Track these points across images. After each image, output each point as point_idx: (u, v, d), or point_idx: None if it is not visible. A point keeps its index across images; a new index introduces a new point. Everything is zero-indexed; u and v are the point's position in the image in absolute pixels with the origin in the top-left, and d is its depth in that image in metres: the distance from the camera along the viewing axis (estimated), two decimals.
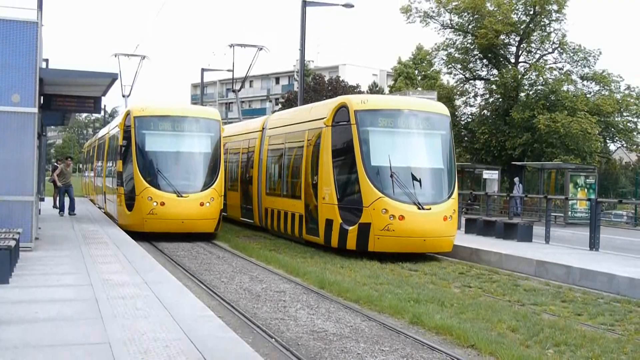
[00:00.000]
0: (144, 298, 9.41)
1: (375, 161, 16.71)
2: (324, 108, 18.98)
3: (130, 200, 20.28)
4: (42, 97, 15.77)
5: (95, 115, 73.45)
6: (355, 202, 16.65)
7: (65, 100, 17.26)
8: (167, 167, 20.46)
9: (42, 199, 23.79)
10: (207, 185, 20.53)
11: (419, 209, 16.14)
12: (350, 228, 16.69)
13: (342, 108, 17.49)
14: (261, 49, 29.91)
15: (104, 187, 26.76)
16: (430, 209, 16.31)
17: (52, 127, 40.61)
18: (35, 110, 13.70)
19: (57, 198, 30.05)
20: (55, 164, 34.86)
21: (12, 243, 10.98)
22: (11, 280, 10.45)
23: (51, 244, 15.44)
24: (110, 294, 9.61)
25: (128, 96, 33.14)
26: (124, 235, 18.30)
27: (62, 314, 8.34)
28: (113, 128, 25.47)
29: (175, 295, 9.70)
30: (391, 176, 16.28)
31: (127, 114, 21.41)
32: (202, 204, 19.93)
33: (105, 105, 66.89)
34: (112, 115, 69.41)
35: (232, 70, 32.22)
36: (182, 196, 19.70)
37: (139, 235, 19.27)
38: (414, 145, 17.64)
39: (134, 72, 34.61)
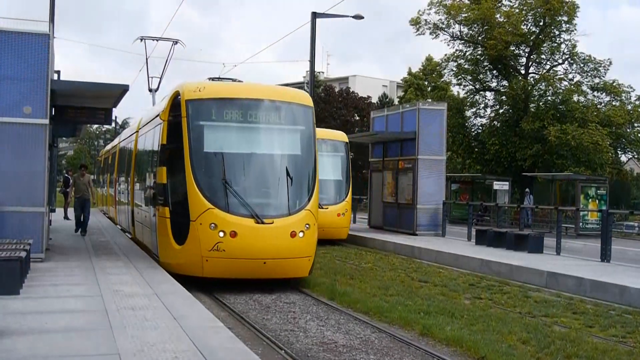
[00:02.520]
0: (154, 309, 9.42)
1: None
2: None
3: (181, 227, 13.76)
4: (53, 109, 15.84)
5: (107, 126, 73.80)
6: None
7: (76, 112, 17.29)
8: (240, 177, 14.04)
9: (53, 210, 23.81)
10: (299, 206, 14.03)
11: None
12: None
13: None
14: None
15: (132, 205, 20.55)
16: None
17: (64, 138, 40.62)
18: (47, 121, 13.76)
19: (67, 209, 30.21)
20: (66, 175, 35.03)
21: (23, 254, 11.01)
22: (22, 291, 10.47)
23: (62, 255, 15.47)
24: (120, 305, 9.62)
25: (156, 90, 27.11)
26: (135, 247, 18.23)
27: (72, 324, 8.35)
28: (147, 124, 18.74)
29: (185, 307, 9.70)
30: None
31: (175, 97, 14.69)
32: (293, 235, 13.52)
33: (116, 117, 67.28)
34: (123, 126, 69.57)
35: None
36: (263, 222, 13.30)
37: (191, 282, 13.23)
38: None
39: (163, 60, 30.42)
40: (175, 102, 14.61)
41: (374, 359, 8.78)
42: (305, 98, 15.49)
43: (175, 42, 25.42)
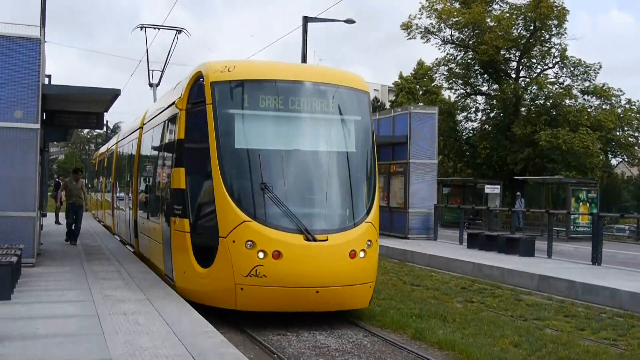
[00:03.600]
0: (146, 314, 9.38)
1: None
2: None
3: (206, 245, 10.78)
4: (44, 113, 15.79)
5: (98, 130, 73.66)
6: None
7: (67, 116, 17.28)
8: (284, 181, 10.86)
9: (44, 215, 23.74)
10: (359, 217, 11.04)
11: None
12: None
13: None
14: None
15: (135, 213, 17.09)
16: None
17: (55, 142, 40.50)
18: (38, 126, 13.71)
19: (59, 214, 30.12)
20: (57, 179, 34.93)
21: (14, 259, 10.96)
22: (13, 297, 10.42)
23: (53, 260, 15.40)
24: (112, 310, 9.58)
25: (157, 85, 24.60)
26: (126, 251, 18.16)
27: (64, 330, 8.31)
28: (155, 116, 15.28)
29: (177, 311, 9.67)
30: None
31: (196, 78, 11.64)
32: (353, 255, 10.50)
33: (107, 121, 67.06)
34: (114, 130, 69.44)
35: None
36: (315, 239, 10.27)
37: (214, 313, 10.44)
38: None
39: (165, 51, 26.75)
40: (196, 85, 11.56)
41: None
42: (360, 81, 12.32)
43: (180, 30, 22.68)
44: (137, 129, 18.15)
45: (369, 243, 10.90)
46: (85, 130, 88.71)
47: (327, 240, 10.39)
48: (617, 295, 13.86)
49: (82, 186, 19.87)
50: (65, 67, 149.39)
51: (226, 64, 11.40)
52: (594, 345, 10.14)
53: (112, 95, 15.30)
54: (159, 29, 23.49)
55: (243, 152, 11.10)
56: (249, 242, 10.20)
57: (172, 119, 12.63)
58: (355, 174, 11.53)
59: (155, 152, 14.92)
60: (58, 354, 7.16)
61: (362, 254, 10.71)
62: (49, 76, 23.80)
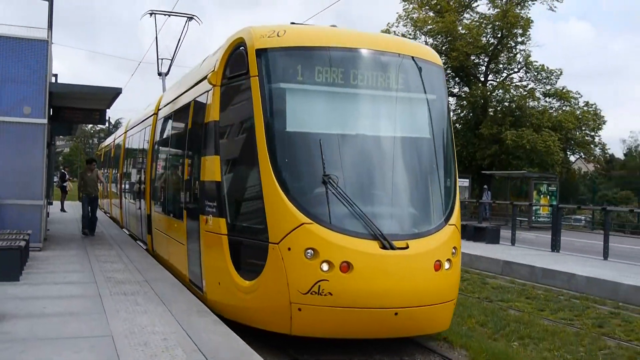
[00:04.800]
0: (144, 294, 9.34)
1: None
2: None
3: (249, 252, 8.17)
4: (51, 109, 15.67)
5: (101, 126, 73.12)
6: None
7: (72, 112, 17.19)
8: (351, 173, 8.15)
9: (50, 203, 23.61)
10: (441, 218, 8.37)
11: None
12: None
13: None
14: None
15: (148, 208, 14.29)
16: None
17: (60, 136, 40.15)
18: (45, 121, 13.62)
19: (64, 203, 29.95)
20: (63, 170, 34.70)
21: (23, 243, 10.90)
22: (21, 278, 10.36)
23: (58, 245, 15.32)
24: (113, 291, 9.53)
25: (166, 74, 21.33)
26: (126, 237, 18.06)
27: (68, 309, 8.27)
28: (174, 99, 12.42)
29: (173, 292, 9.62)
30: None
31: (236, 46, 8.72)
32: (438, 266, 7.86)
33: (109, 117, 66.55)
34: (116, 126, 68.97)
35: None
36: (393, 247, 7.57)
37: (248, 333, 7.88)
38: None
39: (175, 38, 25.08)
40: (236, 54, 8.59)
41: None
42: (433, 54, 9.38)
43: (190, 17, 20.03)
44: (151, 116, 15.41)
45: (454, 251, 8.16)
46: (89, 126, 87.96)
47: (407, 248, 7.57)
48: (574, 279, 13.99)
49: (98, 175, 18.40)
50: (71, 67, 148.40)
51: (274, 29, 8.40)
52: (552, 325, 10.24)
53: (114, 93, 15.21)
54: (169, 15, 20.72)
55: (299, 136, 8.14)
56: (310, 251, 7.35)
57: (201, 99, 9.80)
58: (434, 165, 8.64)
59: (176, 140, 12.15)
60: (63, 331, 7.13)
61: (447, 265, 7.92)
62: (56, 75, 23.52)
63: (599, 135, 42.75)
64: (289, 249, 7.47)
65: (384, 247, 7.48)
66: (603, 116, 41.99)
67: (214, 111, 8.93)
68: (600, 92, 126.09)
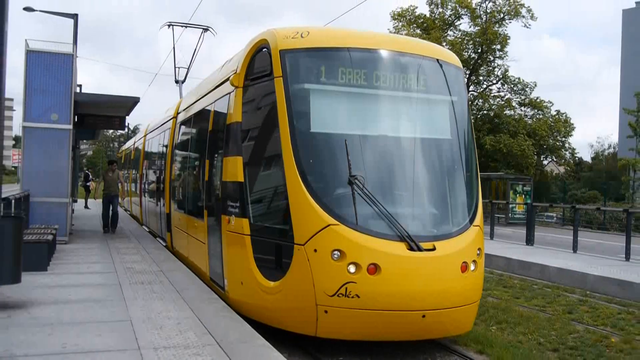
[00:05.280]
0: (160, 283, 9.34)
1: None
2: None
3: (273, 253, 7.46)
4: (76, 116, 15.68)
5: (120, 131, 73.01)
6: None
7: (95, 119, 17.26)
8: (378, 174, 7.45)
9: (75, 201, 23.58)
10: (466, 219, 7.66)
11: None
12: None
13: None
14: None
15: (167, 206, 13.63)
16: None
17: (84, 141, 40.05)
18: (71, 127, 13.62)
19: (87, 201, 29.95)
20: (87, 171, 34.69)
21: (50, 237, 10.88)
22: (49, 268, 10.32)
23: (82, 238, 15.31)
24: (131, 280, 9.53)
25: (183, 82, 20.72)
26: (144, 232, 18.03)
27: (91, 296, 8.27)
28: (193, 103, 11.78)
29: (186, 281, 9.63)
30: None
31: (259, 48, 8.06)
32: (464, 267, 7.18)
33: (128, 123, 66.60)
34: (135, 131, 68.88)
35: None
36: (420, 248, 6.87)
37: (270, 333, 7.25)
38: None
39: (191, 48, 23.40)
40: (259, 56, 7.92)
41: None
42: (453, 56, 8.65)
43: (206, 29, 19.56)
44: (170, 119, 14.64)
45: (479, 252, 7.44)
46: (110, 131, 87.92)
47: (434, 249, 6.88)
48: (546, 270, 14.00)
49: (119, 176, 17.90)
50: (95, 79, 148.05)
51: (297, 30, 7.72)
52: (527, 311, 10.25)
53: (132, 102, 15.22)
54: (186, 26, 20.18)
55: (324, 137, 7.43)
56: (336, 252, 6.67)
57: (222, 101, 9.03)
58: (458, 166, 7.96)
59: (196, 141, 11.33)
60: (86, 316, 7.13)
61: (472, 266, 7.22)
62: (80, 86, 23.57)
63: (569, 141, 42.96)
64: (315, 250, 6.79)
65: (411, 249, 6.80)
66: (572, 123, 42.14)
67: (237, 113, 8.19)
68: (571, 101, 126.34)
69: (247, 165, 7.85)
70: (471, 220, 7.55)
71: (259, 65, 7.94)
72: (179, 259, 11.90)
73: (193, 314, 7.31)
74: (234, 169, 8.02)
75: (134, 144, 25.81)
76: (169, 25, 19.83)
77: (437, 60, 8.15)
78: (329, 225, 6.78)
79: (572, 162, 51.82)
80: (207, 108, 10.28)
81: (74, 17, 23.77)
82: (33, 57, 13.37)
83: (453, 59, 8.54)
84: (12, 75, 14.03)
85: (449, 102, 8.14)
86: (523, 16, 40.24)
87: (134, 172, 23.75)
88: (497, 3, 40.70)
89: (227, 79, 8.71)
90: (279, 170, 7.28)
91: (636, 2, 55.86)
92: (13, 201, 9.88)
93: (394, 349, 7.63)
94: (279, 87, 7.41)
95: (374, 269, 6.66)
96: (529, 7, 40.71)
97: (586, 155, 69.79)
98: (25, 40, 13.63)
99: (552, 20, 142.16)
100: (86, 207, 28.64)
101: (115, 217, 17.19)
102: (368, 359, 7.33)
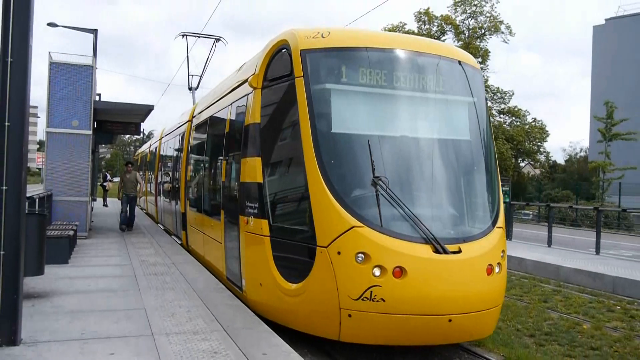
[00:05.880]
0: (171, 275, 9.32)
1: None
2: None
3: (294, 255, 6.66)
4: (95, 122, 15.66)
5: (136, 136, 72.90)
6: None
7: (113, 125, 17.23)
8: (402, 176, 6.58)
9: (94, 199, 23.53)
10: (489, 221, 6.84)
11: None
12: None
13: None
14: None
15: (182, 206, 13.06)
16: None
17: (103, 144, 39.98)
18: (90, 132, 13.60)
19: (106, 199, 29.90)
20: (105, 172, 34.66)
21: (72, 232, 10.89)
22: (70, 261, 10.33)
23: (101, 234, 15.27)
24: (146, 272, 9.51)
25: (196, 89, 20.34)
26: (157, 227, 17.98)
27: (109, 286, 8.24)
28: (210, 105, 11.05)
29: (195, 272, 9.60)
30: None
31: (278, 48, 7.28)
32: (490, 270, 6.34)
33: (143, 129, 66.42)
34: (149, 136, 68.80)
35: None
36: (447, 252, 6.04)
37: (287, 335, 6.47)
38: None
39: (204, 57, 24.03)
40: (279, 56, 7.20)
41: None
42: (470, 57, 7.86)
43: (217, 39, 19.08)
44: (185, 123, 13.97)
45: (502, 254, 6.71)
46: (127, 136, 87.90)
47: (459, 252, 6.14)
48: (523, 262, 14.00)
49: (137, 177, 16.74)
50: (113, 89, 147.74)
51: (318, 30, 7.01)
52: (505, 300, 10.20)
53: (147, 109, 15.20)
54: (199, 36, 19.67)
55: (347, 137, 6.64)
56: (360, 255, 5.91)
57: (240, 102, 8.30)
58: (481, 167, 7.18)
59: (212, 143, 10.51)
60: (105, 304, 7.10)
61: (497, 269, 6.47)
62: (99, 95, 23.50)
63: (544, 146, 43.13)
64: (339, 252, 5.99)
65: (436, 252, 6.01)
66: (547, 130, 42.27)
67: (255, 114, 7.43)
68: (545, 109, 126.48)
69: (267, 166, 7.15)
70: (494, 222, 6.82)
71: (278, 65, 7.20)
72: (193, 256, 11.43)
73: (202, 303, 7.29)
74: (252, 169, 7.30)
75: (150, 147, 25.34)
76: (183, 36, 19.50)
77: (459, 61, 7.44)
78: (353, 227, 6.01)
79: (546, 164, 51.96)
80: (224, 110, 9.55)
81: (94, 32, 23.74)
82: (56, 68, 13.36)
83: (472, 60, 7.78)
84: (37, 85, 14.00)
85: (471, 103, 7.38)
86: (502, 32, 40.34)
87: (149, 173, 23.27)
88: (479, 20, 40.80)
89: (245, 81, 8.09)
90: (300, 171, 6.53)
91: (605, 19, 55.97)
92: (37, 200, 9.84)
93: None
94: (300, 87, 6.69)
95: (400, 272, 5.90)
96: (507, 23, 40.87)
97: (560, 159, 69.89)
98: (49, 52, 13.64)
99: (529, 35, 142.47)
100: (105, 205, 28.58)
101: (132, 218, 16.64)
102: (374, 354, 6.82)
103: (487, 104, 7.62)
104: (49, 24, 26.17)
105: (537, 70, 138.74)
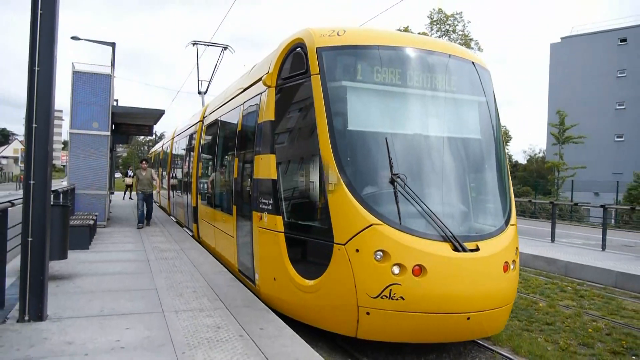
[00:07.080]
0: (180, 259, 9.30)
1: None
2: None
3: (310, 252, 5.88)
4: (113, 125, 15.57)
5: (149, 137, 72.46)
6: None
7: (128, 127, 17.16)
8: (419, 173, 5.82)
9: (112, 193, 23.40)
10: (504, 218, 6.12)
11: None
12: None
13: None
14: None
15: (194, 200, 12.34)
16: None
17: (120, 144, 39.82)
18: (108, 133, 13.53)
19: (126, 193, 29.67)
20: (128, 169, 34.40)
21: (92, 222, 10.83)
22: (90, 247, 10.28)
23: (118, 224, 15.18)
24: (157, 256, 9.48)
25: (205, 93, 19.47)
26: (169, 218, 17.91)
27: (125, 269, 8.22)
28: (222, 105, 10.24)
29: (201, 258, 9.58)
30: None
31: (293, 46, 6.46)
32: (506, 267, 5.67)
33: (156, 131, 65.99)
34: (161, 137, 68.38)
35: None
36: (465, 249, 5.38)
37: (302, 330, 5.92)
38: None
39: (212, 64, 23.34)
40: (294, 55, 6.48)
41: None
42: (481, 58, 7.25)
43: (225, 47, 18.26)
44: (196, 123, 13.06)
45: (516, 251, 6.05)
46: (141, 137, 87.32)
47: (477, 249, 5.51)
48: None
49: (152, 174, 14.79)
50: (128, 95, 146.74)
51: (333, 29, 6.31)
52: None
53: (159, 113, 15.15)
54: (208, 45, 18.75)
55: (364, 135, 5.92)
56: (379, 253, 5.28)
57: (253, 101, 7.54)
58: (495, 165, 6.51)
59: (224, 141, 9.65)
60: (121, 285, 7.08)
61: (512, 266, 5.85)
62: (117, 100, 23.31)
63: (507, 148, 43.27)
64: (357, 250, 5.33)
65: (455, 249, 5.39)
66: (510, 134, 42.43)
67: (269, 111, 6.69)
68: (508, 116, 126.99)
69: (281, 163, 6.43)
70: (507, 220, 6.15)
71: (293, 63, 6.46)
72: (204, 247, 10.79)
73: (207, 284, 7.29)
74: (266, 166, 6.56)
75: (163, 145, 24.34)
76: (194, 44, 18.73)
77: (472, 62, 6.80)
78: (371, 224, 5.32)
79: (509, 164, 52.10)
80: (235, 110, 8.72)
81: (112, 44, 23.55)
82: (78, 76, 13.27)
83: (484, 61, 7.15)
84: (61, 91, 13.87)
85: (484, 102, 6.74)
86: (472, 48, 40.48)
87: (162, 169, 22.32)
88: (452, 37, 40.88)
89: (258, 81, 7.41)
90: (316, 168, 5.82)
91: (561, 38, 56.32)
92: (61, 193, 9.78)
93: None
94: (316, 84, 5.97)
95: (419, 270, 5.27)
96: (477, 40, 40.97)
97: (521, 159, 70.36)
98: (72, 63, 13.54)
99: (498, 49, 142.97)
100: (130, 198, 28.49)
101: (149, 215, 15.00)
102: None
103: (496, 103, 6.96)
104: (73, 38, 25.89)
105: (502, 82, 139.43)
